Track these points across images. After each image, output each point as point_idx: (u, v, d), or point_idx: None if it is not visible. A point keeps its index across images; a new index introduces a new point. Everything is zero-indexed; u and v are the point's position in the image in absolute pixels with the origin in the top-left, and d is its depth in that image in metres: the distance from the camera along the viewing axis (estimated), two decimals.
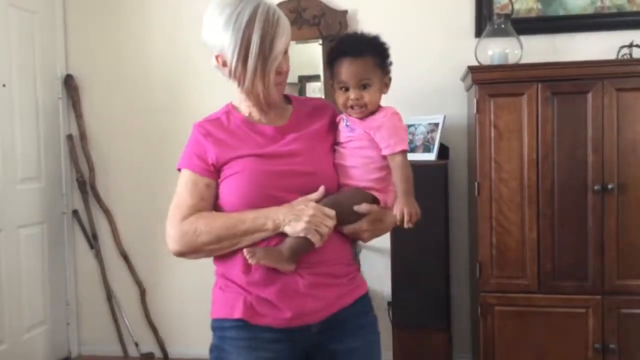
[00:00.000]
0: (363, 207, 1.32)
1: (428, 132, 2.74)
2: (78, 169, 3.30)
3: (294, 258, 1.24)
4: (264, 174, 1.28)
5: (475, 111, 2.42)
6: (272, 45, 1.25)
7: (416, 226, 1.32)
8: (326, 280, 1.29)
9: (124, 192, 3.32)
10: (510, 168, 2.39)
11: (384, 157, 1.34)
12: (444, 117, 2.74)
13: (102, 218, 3.32)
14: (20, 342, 3.00)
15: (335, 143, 1.40)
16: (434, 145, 2.69)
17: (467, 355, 2.90)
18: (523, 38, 2.62)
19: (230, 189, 1.29)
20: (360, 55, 1.33)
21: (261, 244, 1.25)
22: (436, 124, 2.73)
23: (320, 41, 2.99)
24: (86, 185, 3.31)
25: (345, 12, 2.97)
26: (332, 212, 1.26)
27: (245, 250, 1.22)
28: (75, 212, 3.35)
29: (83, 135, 3.31)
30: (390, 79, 1.39)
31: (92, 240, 3.32)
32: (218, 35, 1.27)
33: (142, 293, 3.30)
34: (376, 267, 2.85)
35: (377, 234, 1.38)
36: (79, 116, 3.31)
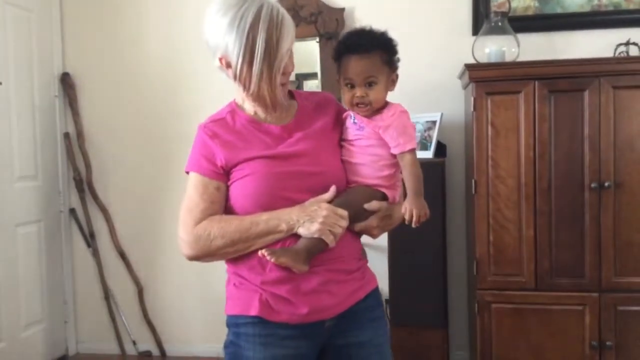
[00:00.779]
0: (373, 205, 1.33)
1: (425, 130, 2.74)
2: (75, 167, 3.29)
3: (309, 258, 1.24)
4: (275, 176, 1.28)
5: (472, 109, 2.43)
6: (277, 47, 1.24)
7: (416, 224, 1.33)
8: (340, 277, 1.31)
9: (121, 190, 3.32)
10: (507, 166, 2.40)
11: (393, 155, 1.34)
12: (442, 114, 2.74)
13: (99, 216, 3.32)
14: (18, 341, 3.00)
15: (342, 139, 1.40)
16: (431, 143, 2.70)
17: (465, 352, 2.91)
18: (520, 36, 2.63)
19: (241, 191, 1.29)
20: (368, 52, 1.31)
21: (276, 245, 1.26)
22: (433, 122, 2.73)
23: (318, 39, 2.99)
24: (83, 184, 3.30)
25: (343, 9, 2.97)
26: (344, 213, 1.26)
27: (265, 251, 1.22)
28: (72, 211, 3.35)
29: (80, 133, 3.31)
30: (397, 75, 1.38)
31: (89, 239, 3.32)
32: (221, 37, 1.25)
33: (140, 291, 3.30)
34: (373, 265, 2.84)
35: (386, 229, 1.40)
36: (75, 114, 3.31)
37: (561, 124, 2.36)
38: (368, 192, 1.35)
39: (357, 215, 1.32)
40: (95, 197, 3.30)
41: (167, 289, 3.30)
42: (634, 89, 2.31)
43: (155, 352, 3.29)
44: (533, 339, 2.39)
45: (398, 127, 1.32)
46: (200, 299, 3.22)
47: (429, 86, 2.90)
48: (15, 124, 3.02)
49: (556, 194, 2.37)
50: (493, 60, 2.56)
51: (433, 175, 2.59)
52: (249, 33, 1.22)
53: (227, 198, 1.32)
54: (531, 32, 2.78)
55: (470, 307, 2.72)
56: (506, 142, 2.40)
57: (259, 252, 1.23)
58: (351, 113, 1.38)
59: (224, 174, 1.30)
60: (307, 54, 3.03)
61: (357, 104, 1.33)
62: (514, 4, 2.80)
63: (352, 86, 1.33)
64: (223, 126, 1.34)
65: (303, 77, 3.11)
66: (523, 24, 2.77)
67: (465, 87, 2.72)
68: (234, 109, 1.38)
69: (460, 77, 2.73)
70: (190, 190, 1.32)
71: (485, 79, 2.41)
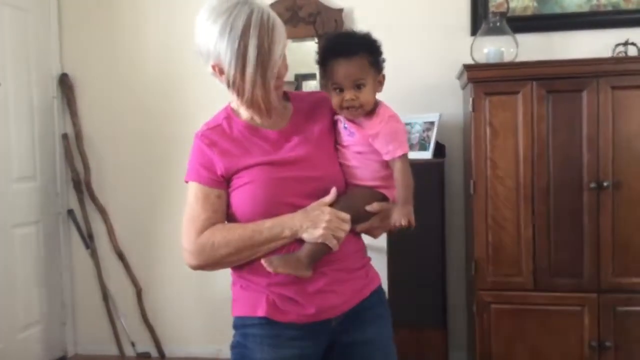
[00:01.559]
0: (375, 207, 1.34)
1: (424, 131, 2.74)
2: (73, 168, 3.29)
3: (312, 264, 1.25)
4: (275, 182, 1.27)
5: (470, 109, 2.42)
6: (270, 53, 1.22)
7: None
8: (345, 275, 1.32)
9: (119, 191, 3.31)
10: (505, 166, 2.40)
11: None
12: (440, 115, 2.74)
13: (98, 217, 3.32)
14: (16, 342, 2.99)
15: (337, 142, 1.39)
16: (429, 144, 2.70)
17: (464, 353, 2.90)
18: (519, 36, 2.63)
19: (243, 199, 1.29)
20: (354, 55, 1.30)
21: (281, 250, 1.26)
22: (432, 123, 2.73)
23: (316, 39, 2.99)
24: (81, 185, 3.30)
25: (341, 10, 2.97)
26: (347, 216, 1.27)
27: (263, 261, 1.23)
28: (70, 212, 3.34)
29: (78, 134, 3.30)
30: (384, 76, 1.37)
31: (88, 240, 3.31)
32: (213, 44, 1.23)
33: (138, 292, 3.29)
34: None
35: (387, 229, 1.40)
36: (74, 115, 3.30)
37: (560, 124, 2.36)
38: (369, 193, 1.35)
39: (359, 217, 1.32)
40: (93, 198, 3.30)
41: (166, 290, 3.29)
42: (633, 89, 2.31)
43: (154, 353, 3.29)
44: (532, 339, 2.39)
45: (387, 135, 1.31)
46: (199, 300, 3.22)
47: (428, 86, 2.90)
48: (14, 125, 3.01)
49: (555, 194, 2.37)
50: (491, 60, 2.56)
51: (432, 176, 2.59)
52: (240, 40, 1.20)
53: (228, 205, 1.31)
54: (530, 33, 2.78)
55: (469, 308, 2.72)
56: (505, 142, 2.39)
57: (262, 261, 1.23)
58: (341, 118, 1.37)
59: (224, 181, 1.30)
60: (305, 55, 3.02)
61: (347, 107, 1.32)
62: (512, 4, 2.80)
63: (341, 90, 1.32)
64: (220, 133, 1.33)
65: (302, 77, 3.11)
66: (521, 24, 2.77)
67: (463, 87, 2.72)
68: (229, 114, 1.37)
69: (459, 77, 2.73)
70: (191, 200, 1.31)
71: (483, 79, 2.41)
